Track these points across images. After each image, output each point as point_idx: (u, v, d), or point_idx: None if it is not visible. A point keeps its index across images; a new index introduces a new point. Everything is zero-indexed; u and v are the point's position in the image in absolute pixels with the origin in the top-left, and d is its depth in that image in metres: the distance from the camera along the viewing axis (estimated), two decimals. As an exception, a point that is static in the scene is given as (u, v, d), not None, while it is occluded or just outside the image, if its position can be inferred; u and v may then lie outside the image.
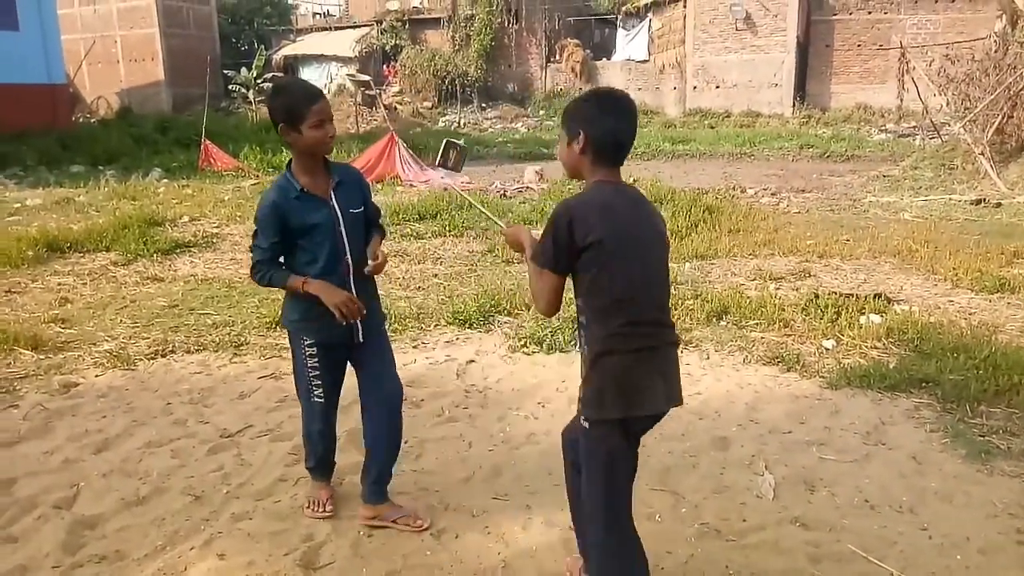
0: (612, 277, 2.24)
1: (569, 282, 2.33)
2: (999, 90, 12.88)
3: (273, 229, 2.86)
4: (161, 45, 31.87)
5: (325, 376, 3.10)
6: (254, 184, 13.24)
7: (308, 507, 3.28)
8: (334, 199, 2.92)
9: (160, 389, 4.67)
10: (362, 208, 3.02)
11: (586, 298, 2.29)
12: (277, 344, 5.37)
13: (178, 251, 8.31)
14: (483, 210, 4.22)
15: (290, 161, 2.94)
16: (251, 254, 2.94)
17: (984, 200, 10.96)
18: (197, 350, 5.30)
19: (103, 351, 5.27)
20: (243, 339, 5.47)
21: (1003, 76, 12.99)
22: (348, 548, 3.02)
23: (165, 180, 14.17)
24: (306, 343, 3.04)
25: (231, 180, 14.17)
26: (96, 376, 4.88)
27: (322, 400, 3.13)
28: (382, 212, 3.29)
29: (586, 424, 2.32)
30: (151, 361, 5.13)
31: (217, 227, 9.51)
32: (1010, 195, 11.43)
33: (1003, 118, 12.92)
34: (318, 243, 2.89)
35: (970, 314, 5.81)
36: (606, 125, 2.32)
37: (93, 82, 32.51)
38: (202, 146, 16.45)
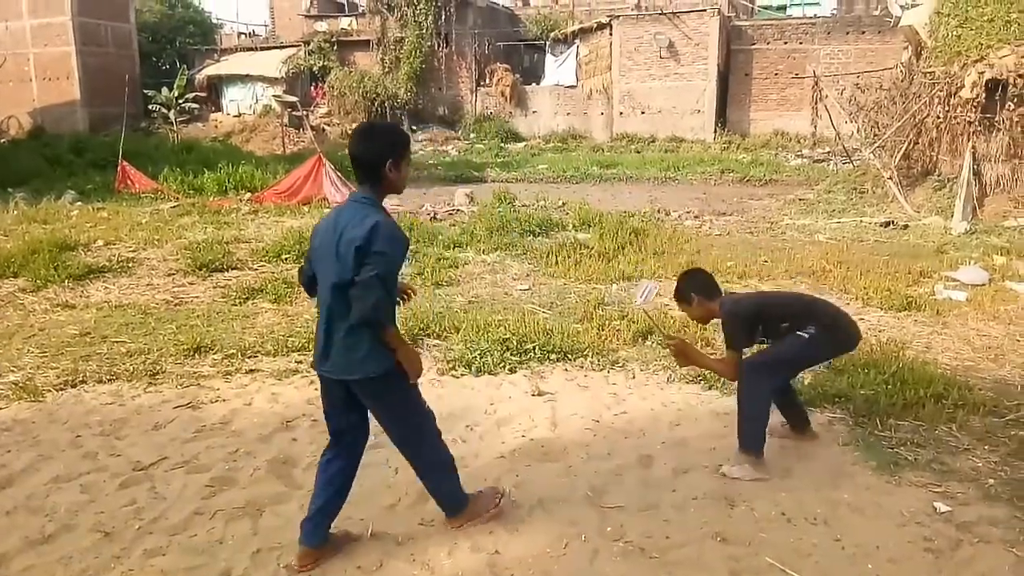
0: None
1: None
2: (905, 117, 13.61)
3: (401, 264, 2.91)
4: (77, 63, 30.78)
5: None
6: (173, 206, 12.86)
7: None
8: None
9: (69, 421, 4.47)
10: None
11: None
12: (195, 372, 5.21)
13: (91, 277, 7.98)
14: (660, 328, 4.79)
15: (368, 197, 2.94)
16: (376, 292, 2.75)
17: (892, 222, 11.51)
18: (109, 380, 5.09)
19: (8, 382, 5.01)
20: (159, 368, 5.28)
21: (909, 104, 13.72)
22: (267, 581, 2.94)
23: (79, 203, 13.64)
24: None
25: (149, 203, 13.73)
26: (0, 409, 4.62)
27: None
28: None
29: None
30: (60, 392, 4.90)
31: (133, 251, 9.19)
32: (916, 217, 12.04)
33: (909, 144, 13.64)
34: (396, 284, 2.99)
35: (880, 331, 6.07)
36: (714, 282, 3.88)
37: (3, 101, 31.10)
38: (119, 167, 15.92)
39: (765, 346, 3.90)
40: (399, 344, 2.93)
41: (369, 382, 2.93)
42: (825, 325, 3.76)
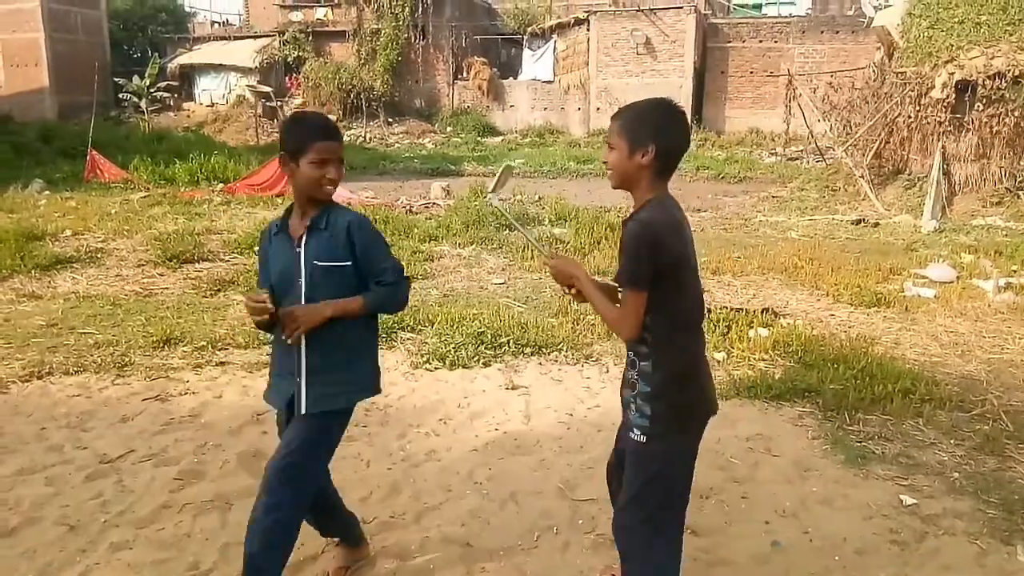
0: (686, 292, 2.26)
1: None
2: (877, 117, 13.78)
3: (262, 269, 2.65)
4: (46, 50, 30.19)
5: None
6: (144, 196, 12.66)
7: None
8: (303, 246, 2.51)
9: (35, 413, 4.38)
10: (345, 262, 2.52)
11: (657, 315, 2.21)
12: (164, 364, 5.14)
13: (59, 267, 7.84)
14: (529, 237, 3.20)
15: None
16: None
17: (864, 220, 11.68)
18: (76, 371, 4.99)
19: (-30, 374, 4.90)
20: (127, 359, 5.19)
21: (881, 104, 13.90)
22: (235, 575, 2.90)
23: (47, 192, 13.41)
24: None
25: (119, 192, 13.53)
26: (-38, 401, 4.53)
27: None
28: (399, 270, 2.67)
29: (647, 441, 2.26)
30: (25, 384, 4.80)
31: (102, 242, 9.03)
32: (887, 215, 12.22)
33: (881, 143, 13.82)
34: (282, 293, 2.50)
35: (849, 327, 6.14)
36: (677, 138, 2.24)
37: (-31, 87, 30.46)
38: (89, 156, 15.66)
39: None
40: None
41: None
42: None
